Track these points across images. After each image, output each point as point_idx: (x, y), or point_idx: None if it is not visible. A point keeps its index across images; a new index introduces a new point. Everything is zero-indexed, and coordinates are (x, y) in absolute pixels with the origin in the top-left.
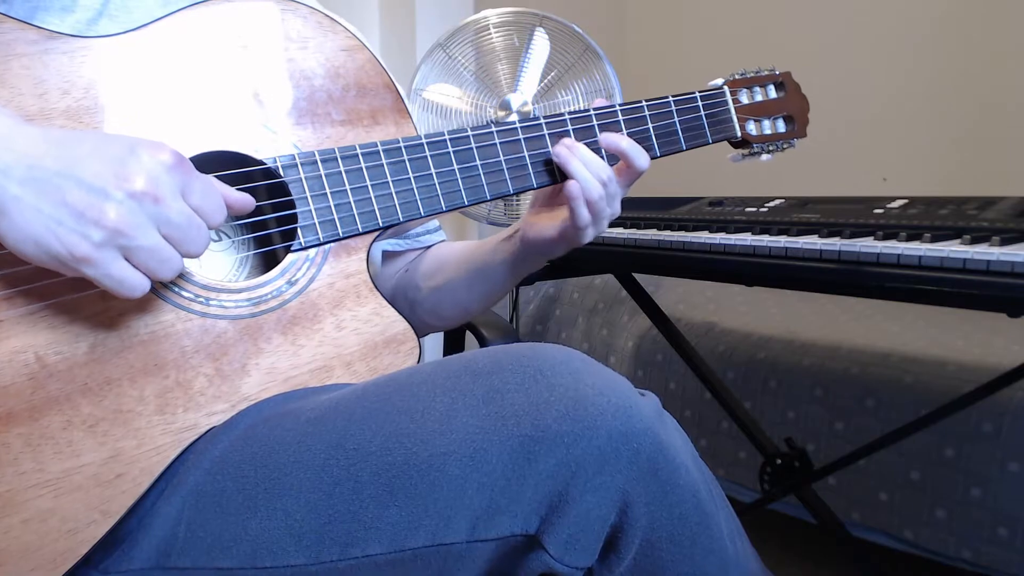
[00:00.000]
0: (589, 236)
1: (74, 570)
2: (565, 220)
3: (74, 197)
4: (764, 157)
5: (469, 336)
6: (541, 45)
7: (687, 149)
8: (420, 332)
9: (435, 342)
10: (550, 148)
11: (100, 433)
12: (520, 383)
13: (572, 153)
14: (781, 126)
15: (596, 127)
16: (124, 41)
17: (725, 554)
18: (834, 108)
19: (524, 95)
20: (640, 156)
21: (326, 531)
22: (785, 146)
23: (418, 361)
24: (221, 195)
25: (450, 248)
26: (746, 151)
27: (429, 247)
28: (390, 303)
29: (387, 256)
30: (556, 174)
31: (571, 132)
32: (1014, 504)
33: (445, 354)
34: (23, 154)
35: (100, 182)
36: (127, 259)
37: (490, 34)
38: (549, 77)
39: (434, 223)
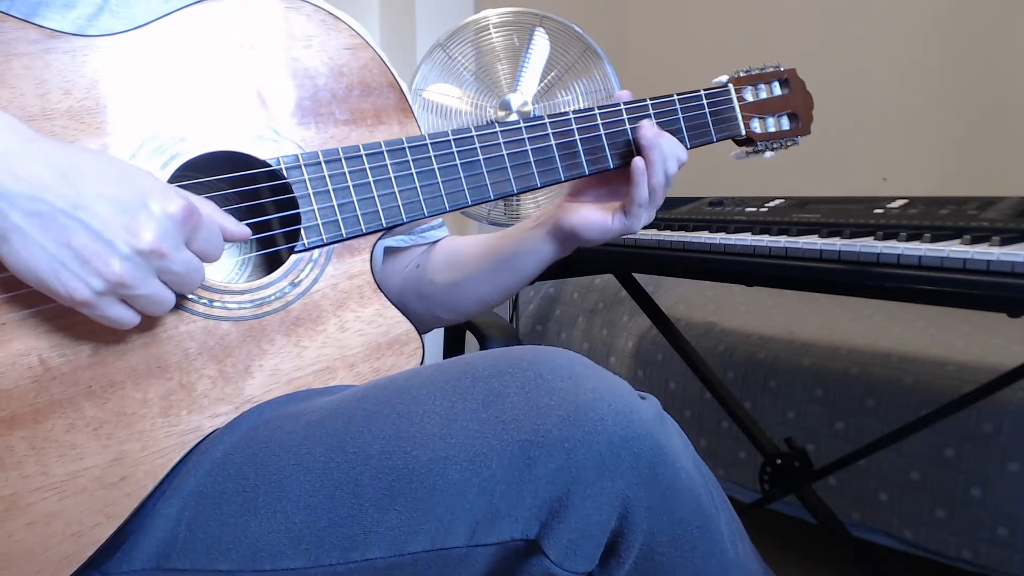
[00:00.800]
0: (642, 223)
1: (75, 571)
2: (616, 209)
3: (80, 242)
4: (768, 155)
5: (469, 336)
6: (541, 45)
7: (691, 148)
8: (431, 327)
9: (435, 343)
10: (554, 146)
11: (104, 436)
12: (520, 387)
13: (658, 137)
14: (785, 123)
15: (600, 125)
16: (126, 40)
17: (726, 557)
18: (834, 108)
19: (524, 95)
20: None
21: (325, 534)
22: (789, 144)
23: (422, 362)
24: (221, 234)
25: (465, 242)
26: (750, 149)
27: (435, 242)
28: (398, 300)
29: (391, 252)
30: (560, 171)
31: (575, 131)
32: (1014, 504)
33: (445, 354)
34: (25, 182)
35: (109, 233)
36: (124, 302)
37: (490, 34)
38: (549, 77)
39: (438, 219)
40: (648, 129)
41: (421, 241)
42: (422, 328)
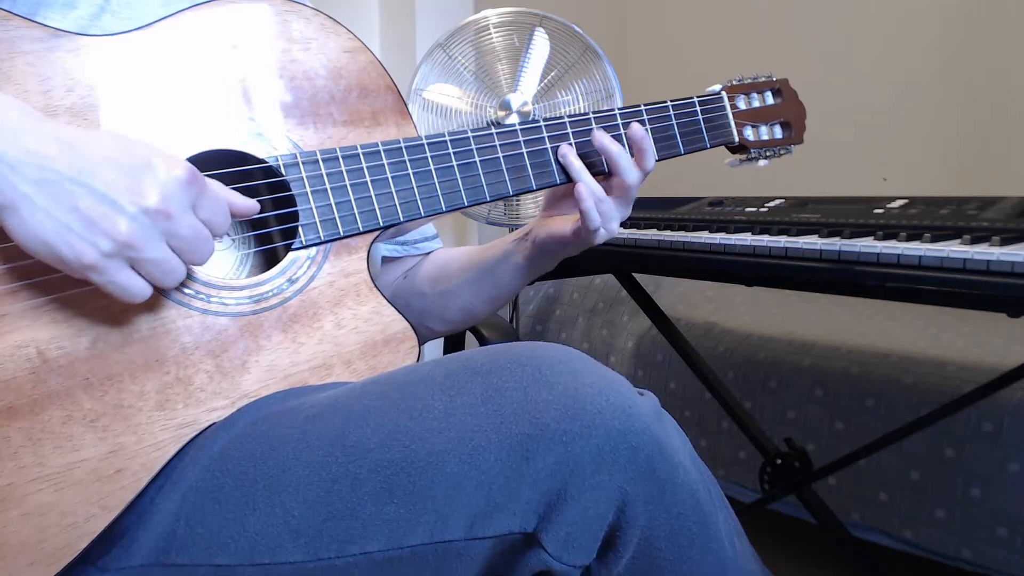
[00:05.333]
0: (602, 237)
1: (73, 567)
2: (577, 222)
3: (86, 204)
4: (761, 163)
5: (469, 336)
6: (541, 45)
7: (685, 153)
8: (425, 338)
9: (435, 341)
10: (549, 150)
11: (100, 428)
12: (519, 382)
13: (577, 155)
14: (778, 132)
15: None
16: (128, 40)
17: (723, 553)
18: (834, 108)
19: (524, 95)
20: (625, 159)
21: (324, 528)
22: (782, 152)
23: (417, 360)
24: (227, 206)
25: (454, 253)
26: (743, 156)
27: (427, 254)
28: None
29: (384, 261)
30: (555, 175)
31: (570, 135)
32: (1014, 504)
33: (445, 353)
34: (33, 152)
35: (114, 193)
36: (133, 267)
37: (490, 34)
38: (549, 77)
39: (431, 230)
40: (566, 147)
41: (414, 252)
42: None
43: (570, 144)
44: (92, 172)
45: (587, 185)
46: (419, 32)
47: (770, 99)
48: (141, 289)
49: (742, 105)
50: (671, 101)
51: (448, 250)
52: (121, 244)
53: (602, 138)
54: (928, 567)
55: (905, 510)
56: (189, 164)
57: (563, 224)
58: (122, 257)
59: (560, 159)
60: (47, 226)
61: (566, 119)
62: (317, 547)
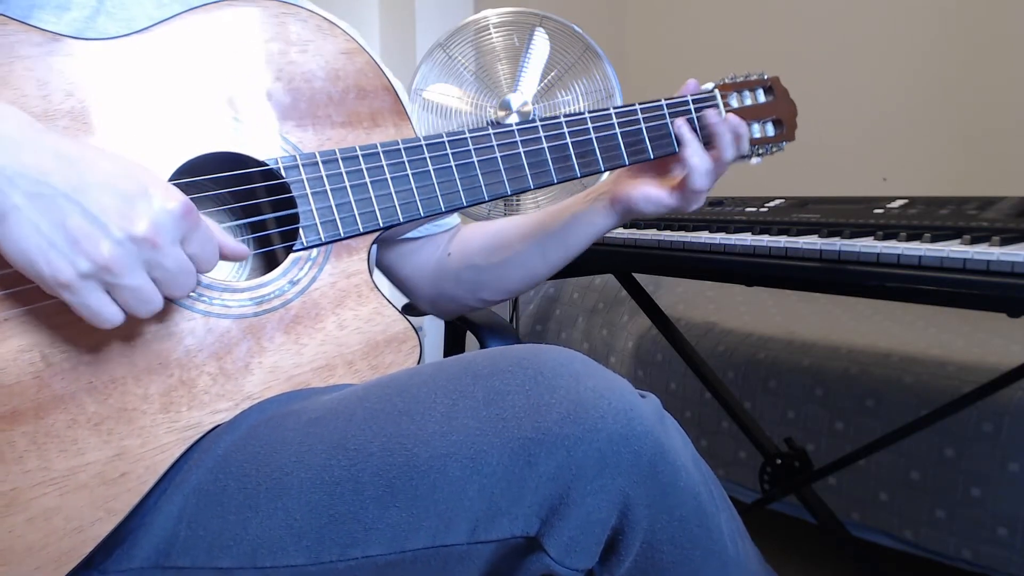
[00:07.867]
0: (698, 204)
1: (74, 571)
2: (678, 187)
3: (74, 223)
4: (754, 160)
5: (470, 336)
6: (541, 45)
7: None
8: (473, 308)
9: (436, 343)
10: (546, 149)
11: (105, 431)
12: (521, 385)
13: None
14: (770, 130)
15: (591, 128)
16: (126, 44)
17: (726, 555)
18: (835, 108)
19: (524, 95)
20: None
21: (326, 531)
22: (775, 149)
23: (419, 360)
24: (217, 245)
25: (505, 224)
26: None
27: (450, 230)
28: (435, 289)
29: (413, 243)
30: (552, 174)
31: (567, 134)
32: (1014, 504)
33: (446, 354)
34: (31, 166)
35: (104, 216)
36: (108, 293)
37: (490, 34)
38: (549, 77)
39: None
40: (713, 116)
41: (436, 231)
42: (462, 310)
43: (684, 119)
44: (87, 191)
45: (701, 157)
46: (419, 32)
47: (762, 97)
48: (112, 315)
49: (735, 103)
50: (665, 100)
51: (500, 220)
52: (100, 267)
53: (715, 118)
54: (928, 567)
55: (905, 510)
56: (187, 199)
57: (655, 187)
58: (98, 280)
59: (677, 130)
60: (32, 240)
61: (562, 118)
62: (319, 551)
